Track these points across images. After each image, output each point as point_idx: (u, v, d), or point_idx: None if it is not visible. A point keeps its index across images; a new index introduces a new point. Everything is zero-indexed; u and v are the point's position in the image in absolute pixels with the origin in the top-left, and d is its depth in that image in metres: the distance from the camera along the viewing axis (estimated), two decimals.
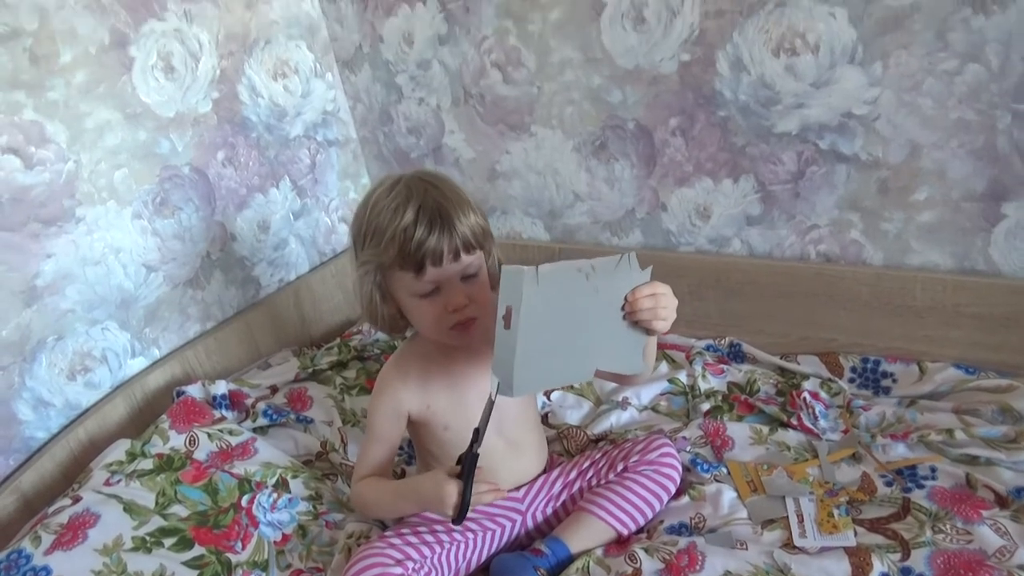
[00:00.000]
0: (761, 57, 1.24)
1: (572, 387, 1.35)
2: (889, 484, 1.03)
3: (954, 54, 1.11)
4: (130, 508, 1.05)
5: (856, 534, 0.95)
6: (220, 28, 1.46)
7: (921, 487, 1.01)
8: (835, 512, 0.99)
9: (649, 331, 0.86)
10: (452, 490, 0.87)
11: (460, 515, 0.87)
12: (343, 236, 1.79)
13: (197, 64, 1.43)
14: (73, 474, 1.19)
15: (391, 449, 1.04)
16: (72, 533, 1.00)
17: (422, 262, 0.88)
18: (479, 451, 0.87)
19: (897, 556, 0.90)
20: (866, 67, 1.17)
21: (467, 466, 0.87)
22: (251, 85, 1.54)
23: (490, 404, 0.86)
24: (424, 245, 0.88)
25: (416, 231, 0.88)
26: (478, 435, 0.87)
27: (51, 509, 1.06)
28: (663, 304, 0.84)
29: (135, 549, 1.00)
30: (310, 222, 1.70)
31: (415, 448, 1.10)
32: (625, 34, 1.34)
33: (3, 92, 1.15)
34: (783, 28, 1.20)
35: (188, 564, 1.00)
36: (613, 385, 1.34)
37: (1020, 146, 1.12)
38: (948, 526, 0.93)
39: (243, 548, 1.04)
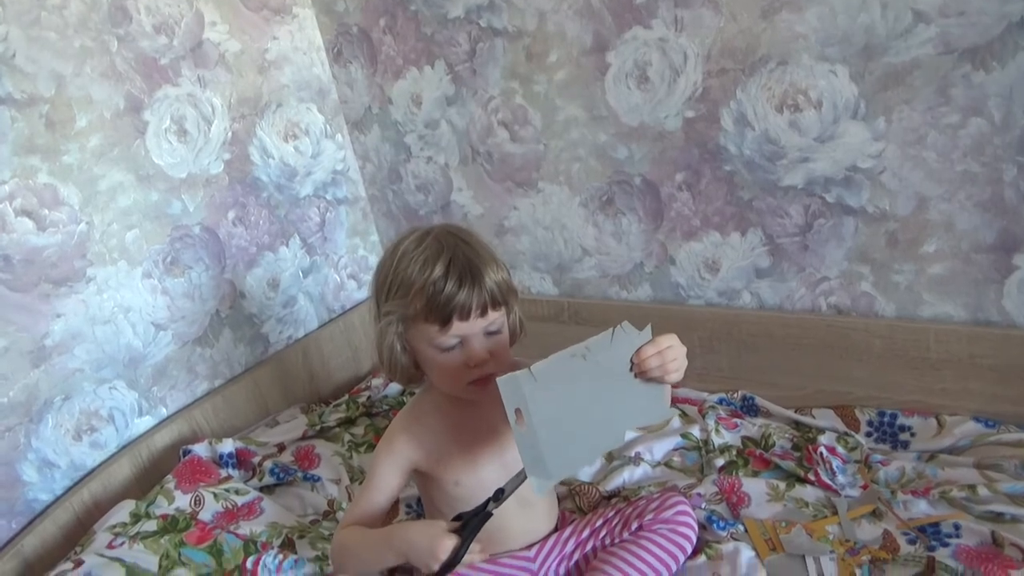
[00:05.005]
0: (764, 113, 1.25)
1: None
2: (912, 542, 1.00)
3: (956, 109, 1.12)
4: (133, 571, 1.02)
5: None
6: (233, 93, 1.50)
7: (946, 545, 0.98)
8: (857, 572, 0.95)
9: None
10: (448, 545, 0.83)
11: (443, 572, 0.83)
12: (352, 293, 1.79)
13: (210, 127, 1.46)
14: (76, 537, 1.17)
15: (387, 501, 0.99)
16: None
17: (449, 316, 0.88)
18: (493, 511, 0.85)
19: None
20: (869, 122, 1.18)
21: (474, 524, 0.84)
22: (262, 147, 1.57)
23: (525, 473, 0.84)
24: (453, 300, 0.87)
25: (446, 285, 0.87)
26: (500, 495, 0.84)
27: (53, 573, 1.04)
28: (670, 357, 0.84)
29: None
30: (319, 279, 1.71)
31: (424, 506, 1.08)
32: (629, 92, 1.37)
33: (19, 157, 1.18)
34: (785, 85, 1.22)
35: None
36: (625, 440, 1.31)
37: None
38: None
39: None
